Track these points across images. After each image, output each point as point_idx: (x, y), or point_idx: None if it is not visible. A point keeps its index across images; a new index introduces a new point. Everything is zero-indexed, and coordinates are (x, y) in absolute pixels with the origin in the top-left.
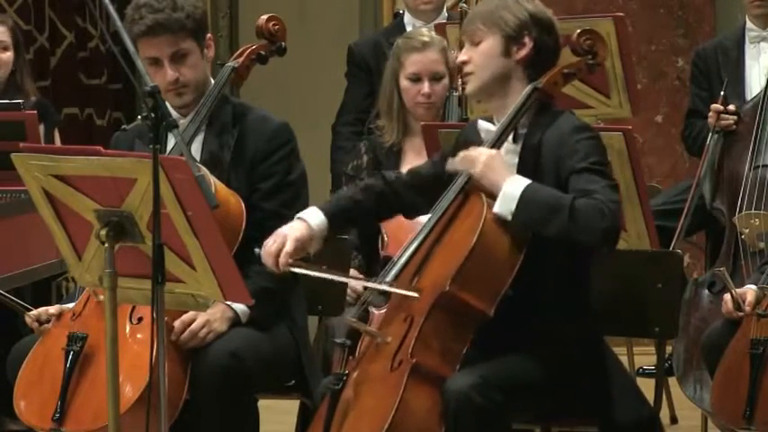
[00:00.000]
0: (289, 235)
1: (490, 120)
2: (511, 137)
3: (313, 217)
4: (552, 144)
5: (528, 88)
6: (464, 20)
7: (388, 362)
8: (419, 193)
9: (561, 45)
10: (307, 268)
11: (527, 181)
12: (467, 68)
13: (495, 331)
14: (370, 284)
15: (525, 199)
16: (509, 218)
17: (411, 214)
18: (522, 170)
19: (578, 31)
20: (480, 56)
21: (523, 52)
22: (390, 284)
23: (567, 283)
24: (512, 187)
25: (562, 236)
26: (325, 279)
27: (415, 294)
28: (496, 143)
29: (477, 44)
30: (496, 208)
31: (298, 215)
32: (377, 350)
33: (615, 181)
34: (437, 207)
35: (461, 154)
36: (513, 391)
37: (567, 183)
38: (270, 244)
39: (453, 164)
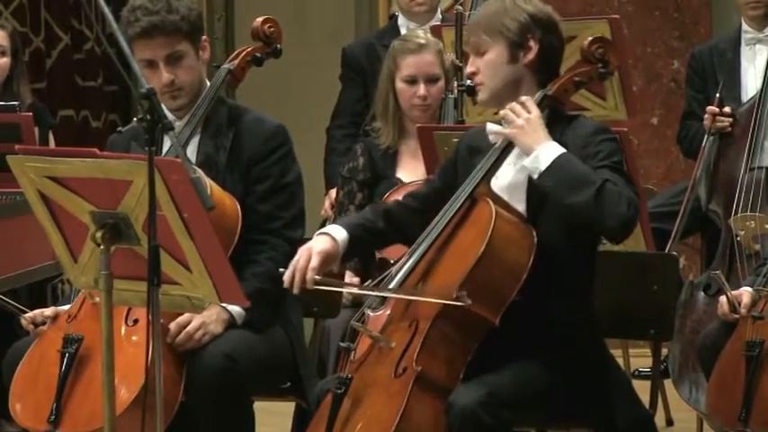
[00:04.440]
0: (313, 248)
1: (499, 123)
2: None
3: (336, 232)
4: (574, 147)
5: (538, 95)
6: (464, 27)
7: (391, 368)
8: (421, 215)
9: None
10: (332, 284)
11: (562, 149)
12: (476, 79)
13: (498, 338)
14: (404, 296)
15: (557, 163)
16: (535, 176)
17: (412, 242)
18: None
19: (590, 38)
20: (487, 66)
21: (531, 56)
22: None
23: (572, 288)
24: (547, 150)
25: (583, 209)
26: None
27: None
28: (508, 147)
29: (482, 54)
30: (526, 162)
31: (320, 230)
32: (379, 355)
33: (635, 185)
34: (444, 212)
35: (508, 107)
36: (519, 405)
37: None
38: (296, 260)
39: (494, 126)
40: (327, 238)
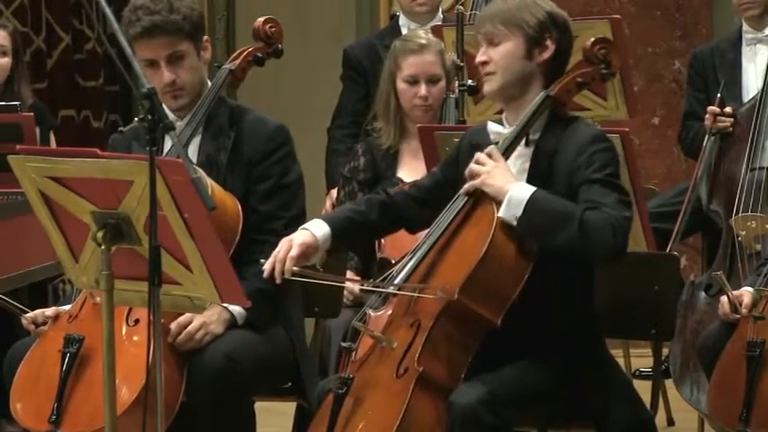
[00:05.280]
0: (294, 240)
1: (500, 122)
2: (523, 141)
3: (317, 227)
4: (569, 152)
5: (540, 96)
6: (478, 16)
7: (393, 368)
8: (423, 204)
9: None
10: (312, 276)
11: (533, 188)
12: (488, 68)
13: (499, 338)
14: (384, 290)
15: (532, 205)
16: (513, 223)
17: (415, 227)
18: (533, 175)
19: (592, 39)
20: (503, 57)
21: (546, 55)
22: (421, 290)
23: (574, 289)
24: (518, 192)
25: (569, 247)
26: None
27: (449, 296)
28: (508, 149)
29: (495, 45)
30: (501, 213)
31: (302, 226)
32: (381, 355)
33: (628, 196)
34: (446, 212)
35: (474, 158)
36: (520, 404)
37: (577, 190)
38: (276, 251)
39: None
40: (308, 232)
